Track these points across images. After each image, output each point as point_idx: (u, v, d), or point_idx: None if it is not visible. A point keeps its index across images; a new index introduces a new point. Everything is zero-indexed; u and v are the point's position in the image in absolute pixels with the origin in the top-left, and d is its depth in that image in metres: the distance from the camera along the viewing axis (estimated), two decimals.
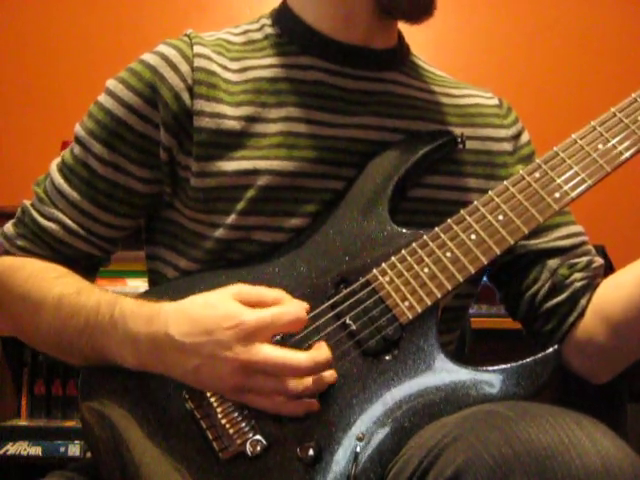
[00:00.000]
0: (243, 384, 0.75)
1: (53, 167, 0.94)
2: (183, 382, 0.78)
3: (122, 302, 0.82)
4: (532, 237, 0.94)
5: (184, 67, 0.89)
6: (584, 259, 0.96)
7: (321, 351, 0.77)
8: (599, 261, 0.97)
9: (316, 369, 0.76)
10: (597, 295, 0.94)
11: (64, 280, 0.88)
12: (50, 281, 0.87)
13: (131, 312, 0.80)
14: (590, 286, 0.95)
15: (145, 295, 0.89)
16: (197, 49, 0.91)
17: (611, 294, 0.92)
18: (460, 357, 1.01)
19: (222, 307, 0.76)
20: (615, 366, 0.95)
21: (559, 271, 0.95)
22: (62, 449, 1.93)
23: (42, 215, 0.92)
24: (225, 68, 0.91)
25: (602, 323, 0.91)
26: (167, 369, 0.78)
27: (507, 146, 1.01)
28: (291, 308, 0.77)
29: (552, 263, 0.95)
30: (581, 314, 0.93)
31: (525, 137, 1.04)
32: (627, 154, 0.84)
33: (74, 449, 1.93)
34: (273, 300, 0.78)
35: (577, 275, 0.94)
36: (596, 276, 0.96)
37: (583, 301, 0.93)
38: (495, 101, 1.04)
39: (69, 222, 0.91)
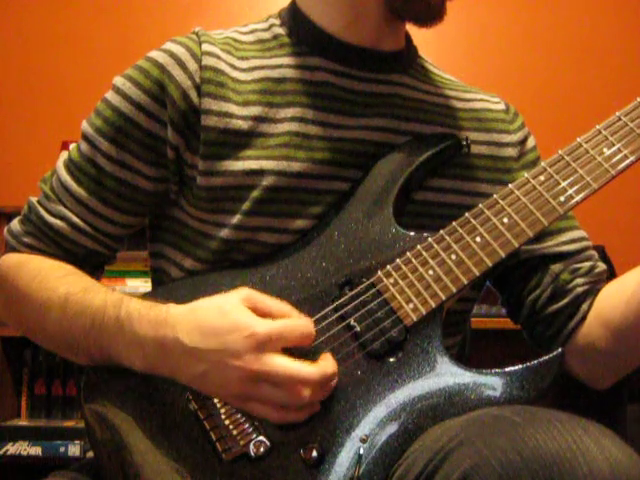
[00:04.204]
0: (248, 392, 0.74)
1: (60, 164, 0.93)
2: (189, 386, 0.78)
3: (128, 303, 0.81)
4: (535, 242, 0.94)
5: (192, 65, 0.89)
6: (587, 264, 0.96)
7: (329, 362, 0.77)
8: (602, 266, 0.98)
9: (325, 381, 0.75)
10: (599, 300, 0.94)
11: (70, 279, 0.87)
12: (56, 280, 0.87)
13: (138, 314, 0.80)
14: (592, 291, 0.95)
15: (150, 295, 0.89)
16: (205, 47, 0.90)
17: (612, 299, 0.92)
18: (461, 358, 1.01)
19: (233, 314, 0.76)
20: (616, 372, 0.95)
21: (561, 276, 0.95)
22: (62, 449, 1.93)
23: (48, 212, 0.91)
24: (233, 67, 0.91)
25: (603, 328, 0.92)
26: (174, 373, 0.78)
27: (512, 152, 1.00)
28: (301, 322, 0.77)
29: (554, 268, 0.95)
30: (582, 319, 0.94)
31: (531, 142, 1.03)
32: (632, 158, 0.84)
33: (74, 449, 1.93)
34: (282, 313, 0.77)
35: (579, 280, 0.95)
36: (599, 281, 0.96)
37: (584, 306, 0.94)
38: (502, 106, 1.04)
39: (75, 219, 0.91)
